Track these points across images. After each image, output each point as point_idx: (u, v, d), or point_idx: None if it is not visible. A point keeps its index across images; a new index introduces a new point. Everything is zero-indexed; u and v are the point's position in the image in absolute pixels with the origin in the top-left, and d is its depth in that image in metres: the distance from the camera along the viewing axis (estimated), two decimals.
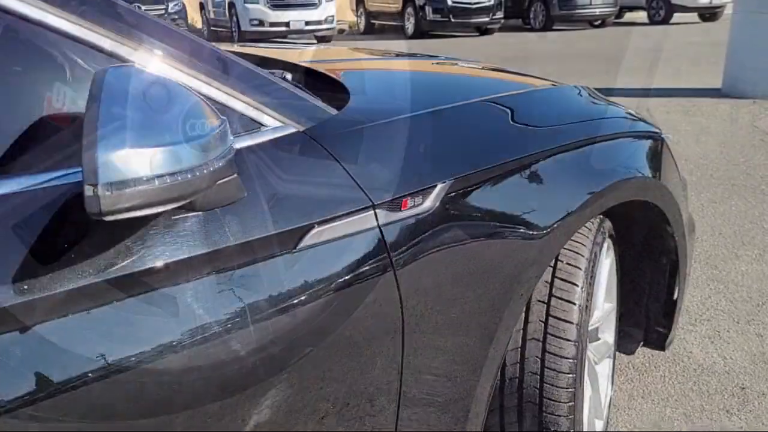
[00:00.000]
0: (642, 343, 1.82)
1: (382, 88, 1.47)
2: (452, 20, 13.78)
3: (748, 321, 2.23)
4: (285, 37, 14.54)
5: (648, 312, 1.78)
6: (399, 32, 14.66)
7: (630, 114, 1.65)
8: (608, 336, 1.68)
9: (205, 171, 0.70)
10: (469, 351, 1.13)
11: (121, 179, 0.63)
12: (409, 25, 14.30)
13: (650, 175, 1.48)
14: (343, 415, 0.97)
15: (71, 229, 0.72)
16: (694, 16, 15.80)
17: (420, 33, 14.04)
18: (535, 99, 1.46)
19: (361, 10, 16.12)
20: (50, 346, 0.68)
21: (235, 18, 13.86)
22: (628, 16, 17.19)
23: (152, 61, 0.83)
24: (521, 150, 1.22)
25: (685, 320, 2.23)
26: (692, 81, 6.88)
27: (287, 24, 13.56)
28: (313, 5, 13.59)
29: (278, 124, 0.96)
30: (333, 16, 13.94)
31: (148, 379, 0.75)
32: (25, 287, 0.67)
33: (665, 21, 15.44)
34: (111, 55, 0.82)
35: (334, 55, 2.27)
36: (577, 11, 14.58)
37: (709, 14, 15.58)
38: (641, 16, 16.47)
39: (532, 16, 15.10)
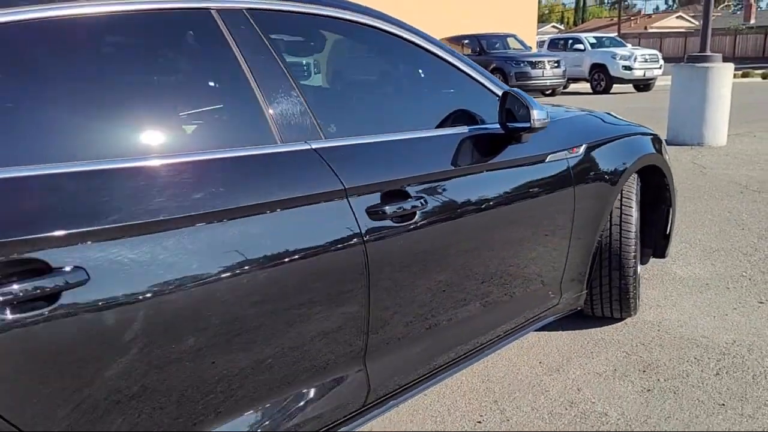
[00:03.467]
0: (652, 255, 3.26)
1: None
2: None
3: (706, 258, 3.72)
4: None
5: (655, 236, 3.22)
6: None
7: (641, 125, 3.13)
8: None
9: (546, 121, 2.10)
10: (589, 231, 2.53)
11: (537, 118, 2.03)
12: None
13: (656, 152, 2.94)
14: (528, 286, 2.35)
15: (480, 144, 2.13)
16: (630, 87, 18.08)
17: None
18: (604, 115, 2.93)
19: None
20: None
21: None
22: (573, 87, 19.33)
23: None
24: (606, 134, 2.68)
25: (669, 259, 3.69)
26: None
27: None
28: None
29: None
30: None
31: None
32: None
33: (606, 91, 17.59)
34: (482, 84, 2.23)
35: None
36: (532, 81, 16.46)
37: (643, 85, 17.84)
38: (585, 86, 18.67)
39: None
